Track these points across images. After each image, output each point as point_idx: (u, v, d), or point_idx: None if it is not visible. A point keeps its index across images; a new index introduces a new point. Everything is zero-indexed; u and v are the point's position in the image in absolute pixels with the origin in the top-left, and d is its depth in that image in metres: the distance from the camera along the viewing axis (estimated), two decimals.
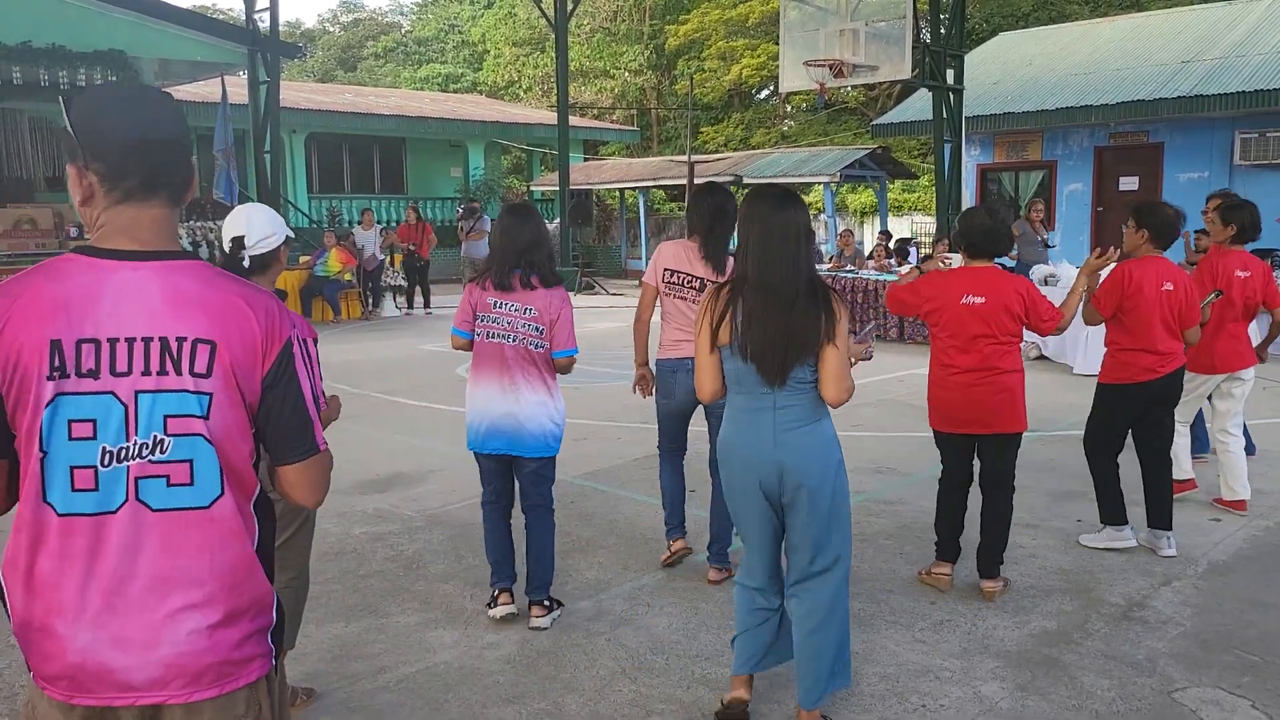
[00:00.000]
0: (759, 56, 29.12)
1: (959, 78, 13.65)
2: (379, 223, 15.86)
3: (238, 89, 16.78)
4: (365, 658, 3.68)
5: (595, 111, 34.09)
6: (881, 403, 8.33)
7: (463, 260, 15.81)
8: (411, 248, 15.26)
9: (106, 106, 1.64)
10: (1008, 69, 18.21)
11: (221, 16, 28.36)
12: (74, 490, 1.55)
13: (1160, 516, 4.68)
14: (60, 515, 1.56)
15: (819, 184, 19.74)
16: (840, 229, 17.64)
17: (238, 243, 3.03)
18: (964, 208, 14.77)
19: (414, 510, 5.48)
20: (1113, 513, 4.75)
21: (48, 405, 1.53)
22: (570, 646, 3.75)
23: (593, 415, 7.76)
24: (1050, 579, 4.41)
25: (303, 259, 15.26)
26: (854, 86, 24.71)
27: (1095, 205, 16.40)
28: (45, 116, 15.77)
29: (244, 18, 15.43)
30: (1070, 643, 3.76)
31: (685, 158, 20.26)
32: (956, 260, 4.46)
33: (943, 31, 13.51)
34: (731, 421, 3.06)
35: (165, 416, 1.57)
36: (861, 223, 25.89)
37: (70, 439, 1.54)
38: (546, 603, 3.97)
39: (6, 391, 1.54)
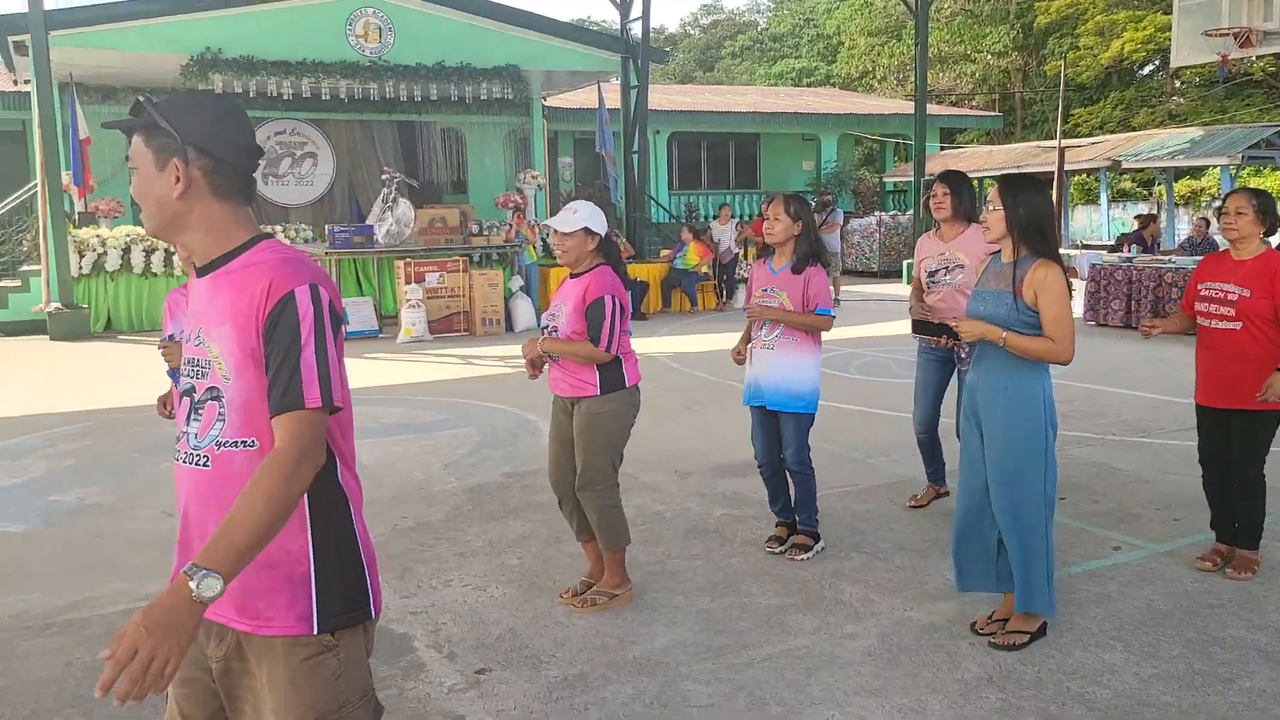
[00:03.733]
0: (1144, 29, 26.48)
1: None
2: (734, 217, 16.36)
3: (608, 94, 17.99)
4: (730, 633, 3.88)
5: (953, 98, 32.73)
6: None
7: None
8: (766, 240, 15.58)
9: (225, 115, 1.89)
10: None
11: (597, 28, 30.55)
12: None
13: None
14: None
15: (1215, 166, 17.61)
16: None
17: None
18: None
19: None
20: None
21: None
22: (933, 647, 3.71)
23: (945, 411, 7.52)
24: None
25: (663, 252, 16.11)
26: (1260, 56, 21.72)
27: None
28: (454, 127, 17.90)
29: (618, 28, 16.55)
30: None
31: (1054, 143, 18.91)
32: None
33: None
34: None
35: None
36: None
37: None
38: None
39: None
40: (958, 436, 4.10)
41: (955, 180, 5.04)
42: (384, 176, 13.55)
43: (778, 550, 4.78)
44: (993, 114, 28.97)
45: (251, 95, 13.91)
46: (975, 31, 32.92)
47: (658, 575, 4.50)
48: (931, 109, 22.98)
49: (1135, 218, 17.32)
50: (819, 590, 4.28)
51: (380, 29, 14.15)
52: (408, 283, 12.39)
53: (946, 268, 4.96)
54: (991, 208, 3.57)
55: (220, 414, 1.78)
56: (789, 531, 4.88)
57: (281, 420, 1.73)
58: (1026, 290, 3.46)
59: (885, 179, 24.59)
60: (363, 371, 10.06)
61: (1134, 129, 25.72)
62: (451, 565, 4.65)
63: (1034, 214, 3.49)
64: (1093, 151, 19.41)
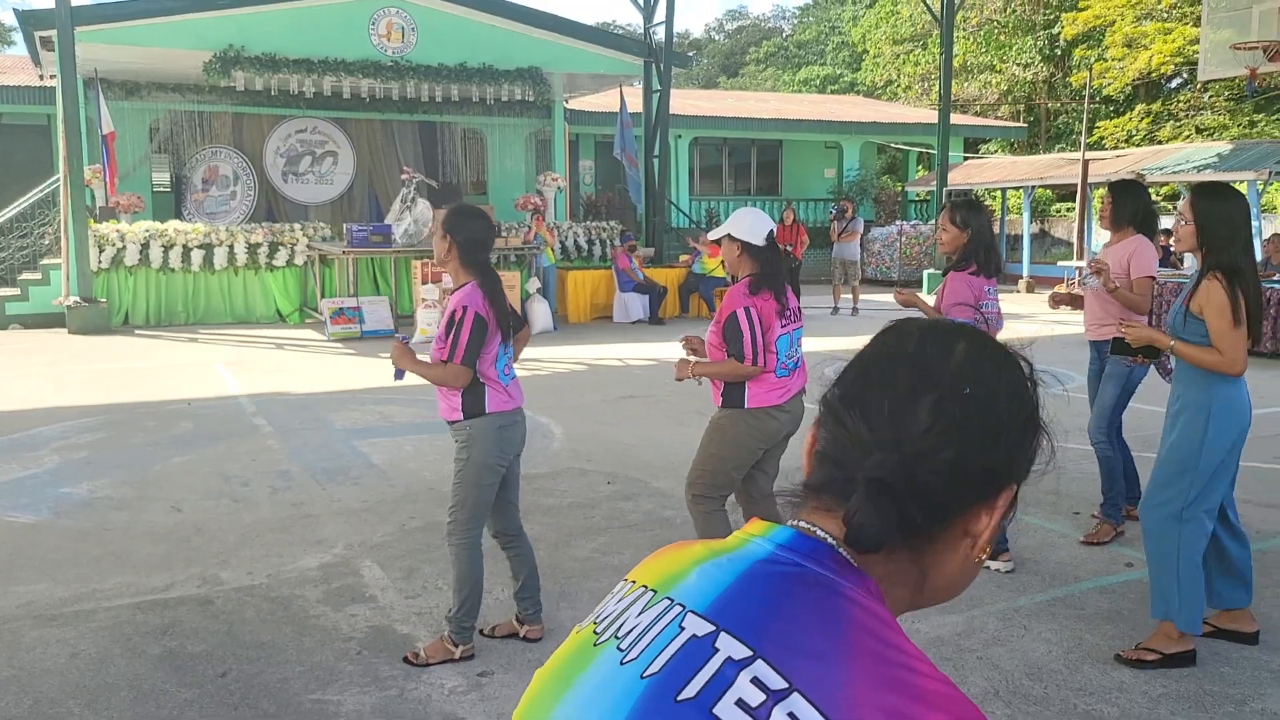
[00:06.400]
0: (1173, 41, 26.22)
1: None
2: None
3: (630, 97, 18.00)
4: None
5: (978, 108, 32.55)
6: None
7: (834, 261, 15.82)
8: (787, 248, 15.53)
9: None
10: None
11: (621, 32, 30.61)
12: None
13: None
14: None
15: (1241, 182, 17.40)
16: (1267, 234, 15.47)
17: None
18: None
19: None
20: None
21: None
22: (939, 660, 3.66)
23: None
24: None
25: (682, 257, 16.09)
26: None
27: None
28: (475, 128, 17.92)
29: (641, 32, 16.55)
30: None
31: (1078, 154, 18.76)
32: None
33: None
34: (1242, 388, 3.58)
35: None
36: None
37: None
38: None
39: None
40: None
41: (1119, 189, 5.05)
42: (404, 177, 13.58)
43: None
44: (1017, 124, 28.78)
45: (273, 93, 13.98)
46: (1001, 42, 32.75)
47: None
48: (956, 118, 22.85)
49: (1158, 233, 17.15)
50: None
51: (403, 29, 14.20)
52: (424, 283, 12.42)
53: (1095, 271, 5.00)
54: (1183, 221, 3.61)
55: None
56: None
57: None
58: (1194, 302, 3.51)
59: (908, 188, 24.46)
60: (376, 370, 10.08)
61: (1160, 143, 25.47)
62: None
63: (1221, 225, 3.50)
64: (1117, 165, 19.24)
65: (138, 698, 3.40)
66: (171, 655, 3.71)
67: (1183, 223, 3.61)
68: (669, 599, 0.87)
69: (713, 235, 4.03)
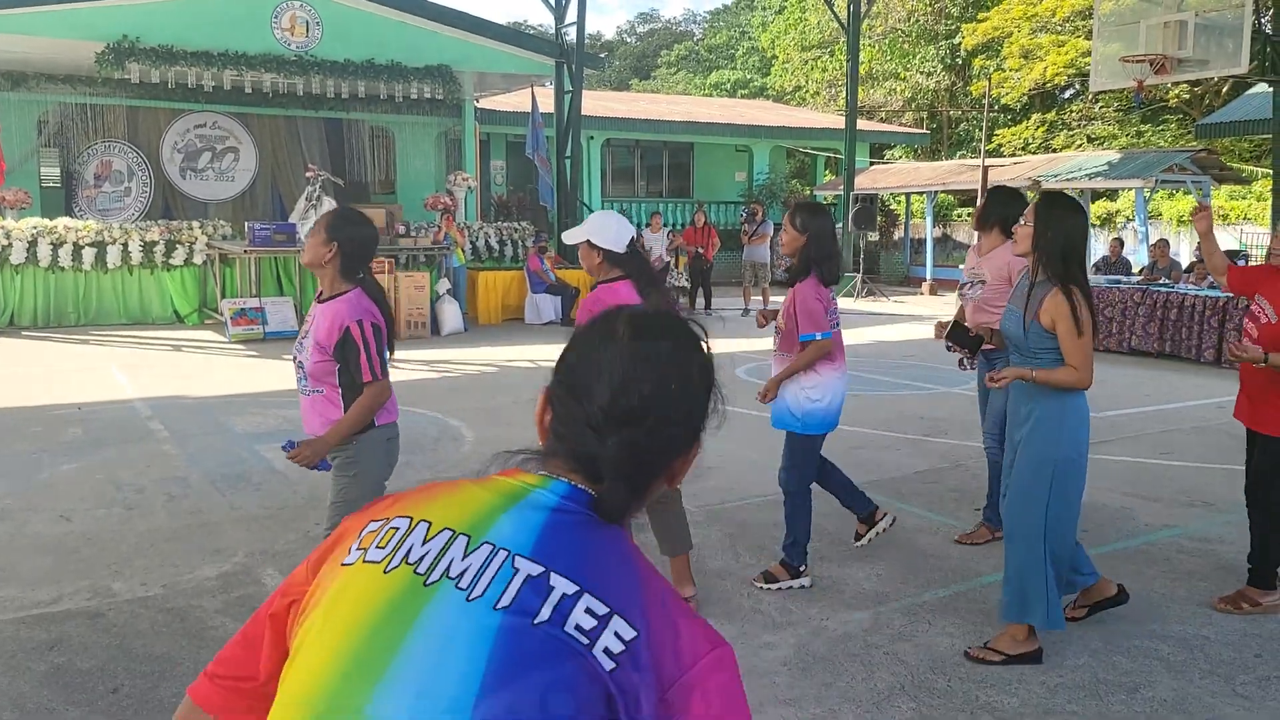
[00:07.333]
0: (1066, 53, 27.27)
1: None
2: (666, 225, 16.40)
3: (542, 98, 17.91)
4: None
5: (883, 114, 33.33)
6: (1198, 430, 7.57)
7: (744, 263, 15.99)
8: (698, 250, 15.65)
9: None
10: None
11: (533, 32, 30.43)
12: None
13: None
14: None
15: (1129, 189, 18.19)
16: (1154, 239, 16.17)
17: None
18: None
19: (693, 505, 5.62)
20: None
21: None
22: (847, 656, 3.72)
23: (870, 424, 7.62)
24: None
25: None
26: (1175, 83, 22.52)
27: None
28: (383, 126, 17.59)
29: (553, 32, 16.48)
30: None
31: (978, 161, 19.36)
32: None
33: None
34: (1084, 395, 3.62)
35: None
36: (1177, 232, 23.61)
37: None
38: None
39: None
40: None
41: (991, 192, 5.06)
42: (308, 174, 13.25)
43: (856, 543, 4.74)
44: (920, 131, 29.55)
45: (171, 86, 13.50)
46: (905, 50, 33.59)
47: None
48: (862, 124, 23.33)
49: None
50: (737, 600, 4.26)
51: (307, 23, 13.85)
52: None
53: (971, 282, 4.91)
54: (1024, 223, 3.63)
55: None
56: (865, 527, 4.71)
57: None
58: (1044, 316, 3.50)
59: (816, 191, 24.90)
60: (280, 373, 9.80)
61: (1055, 151, 26.45)
62: None
63: (1061, 237, 3.48)
64: (1014, 171, 19.91)
65: (21, 717, 3.23)
66: (59, 672, 3.54)
67: (1023, 223, 3.63)
68: (489, 543, 1.06)
69: (570, 239, 3.81)
